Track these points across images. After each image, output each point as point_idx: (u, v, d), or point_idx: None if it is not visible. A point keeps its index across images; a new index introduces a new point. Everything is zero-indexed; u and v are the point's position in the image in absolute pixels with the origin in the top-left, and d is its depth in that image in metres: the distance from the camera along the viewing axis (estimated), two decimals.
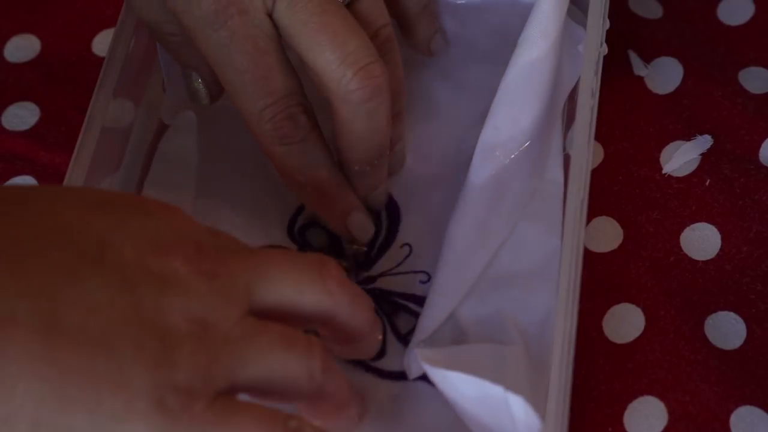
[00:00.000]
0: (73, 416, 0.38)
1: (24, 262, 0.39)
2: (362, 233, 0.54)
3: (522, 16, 0.55)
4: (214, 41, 0.50)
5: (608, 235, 0.55)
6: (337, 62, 0.50)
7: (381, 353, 0.52)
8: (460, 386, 0.47)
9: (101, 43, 0.61)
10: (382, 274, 0.54)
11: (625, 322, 0.52)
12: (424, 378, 0.50)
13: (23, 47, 0.62)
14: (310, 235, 0.56)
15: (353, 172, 0.54)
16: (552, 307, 0.48)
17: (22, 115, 0.59)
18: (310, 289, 0.44)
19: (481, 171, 0.54)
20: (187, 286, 0.41)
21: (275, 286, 0.44)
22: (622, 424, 0.50)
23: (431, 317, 0.52)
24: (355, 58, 0.50)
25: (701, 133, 0.57)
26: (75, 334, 0.39)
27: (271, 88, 0.51)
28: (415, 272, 0.54)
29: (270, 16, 0.51)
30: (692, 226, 0.55)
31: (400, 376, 0.51)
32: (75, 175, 0.52)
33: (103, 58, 0.55)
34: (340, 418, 0.46)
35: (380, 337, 0.51)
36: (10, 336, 0.38)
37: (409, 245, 0.55)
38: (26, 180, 0.58)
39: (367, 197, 0.55)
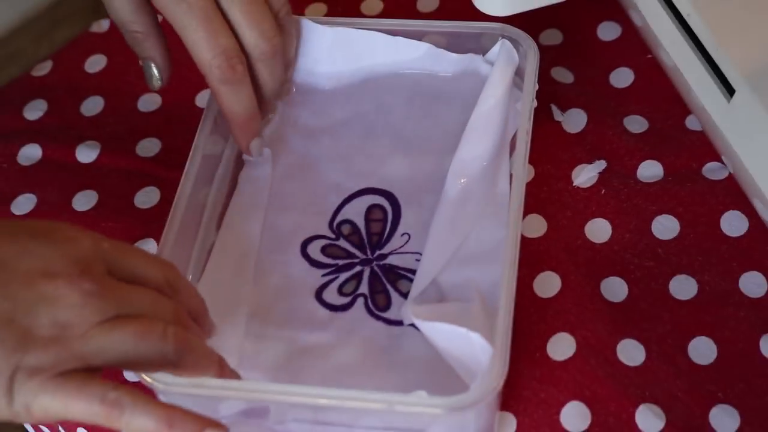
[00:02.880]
0: None
1: None
2: (256, 153, 0.54)
3: (483, 83, 0.55)
4: (178, 12, 0.49)
5: (537, 226, 0.54)
6: (255, 36, 0.51)
7: (387, 306, 0.51)
8: (440, 331, 0.48)
9: (201, 99, 0.60)
10: (391, 252, 0.53)
11: (548, 284, 0.52)
12: (414, 325, 0.49)
13: (150, 102, 0.62)
14: (341, 227, 0.54)
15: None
16: (501, 276, 0.47)
17: (150, 147, 0.59)
18: (159, 308, 0.42)
19: (453, 185, 0.53)
20: (61, 300, 0.39)
21: (137, 307, 0.41)
22: (545, 351, 0.50)
23: (420, 282, 0.51)
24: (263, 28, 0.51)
25: (598, 159, 0.56)
26: None
27: (217, 43, 0.50)
28: (413, 253, 0.53)
29: None
30: (593, 220, 0.54)
31: (400, 323, 0.51)
32: (185, 186, 0.51)
33: (203, 109, 0.55)
34: (199, 376, 0.43)
35: (214, 330, 0.47)
36: None
37: (408, 234, 0.54)
38: (151, 189, 0.57)
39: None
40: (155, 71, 0.53)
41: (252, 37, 0.51)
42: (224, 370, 0.44)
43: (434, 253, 0.52)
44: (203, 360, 0.43)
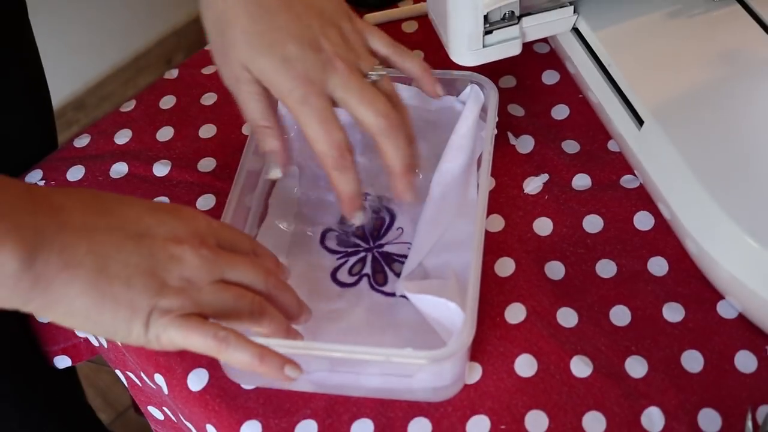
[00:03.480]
0: (104, 315, 0.40)
1: (96, 237, 0.40)
2: (358, 221, 0.52)
3: (457, 116, 0.56)
4: (302, 112, 0.49)
5: (497, 223, 0.56)
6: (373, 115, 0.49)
7: (385, 283, 0.52)
8: (424, 301, 0.49)
9: (247, 128, 0.62)
10: (388, 242, 0.55)
11: (505, 266, 0.54)
12: (405, 296, 0.51)
13: (208, 130, 0.62)
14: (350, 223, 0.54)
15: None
16: (470, 260, 0.48)
17: (208, 164, 0.61)
18: (255, 280, 0.44)
19: (435, 192, 0.55)
20: (186, 261, 0.41)
21: (238, 275, 0.43)
22: (503, 316, 0.51)
23: (410, 264, 0.53)
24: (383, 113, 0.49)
25: (543, 173, 0.58)
26: (113, 277, 0.39)
27: (332, 139, 0.49)
28: (404, 243, 0.55)
29: (330, 95, 0.49)
30: (539, 218, 0.56)
31: (394, 295, 0.52)
32: (234, 193, 0.52)
33: (247, 136, 0.56)
34: (271, 330, 0.44)
35: (309, 317, 0.47)
36: (77, 274, 0.39)
37: (401, 228, 0.56)
38: (209, 196, 0.58)
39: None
40: (277, 165, 0.52)
41: (370, 117, 0.49)
42: (290, 331, 0.46)
43: (421, 243, 0.53)
44: (275, 322, 0.44)
